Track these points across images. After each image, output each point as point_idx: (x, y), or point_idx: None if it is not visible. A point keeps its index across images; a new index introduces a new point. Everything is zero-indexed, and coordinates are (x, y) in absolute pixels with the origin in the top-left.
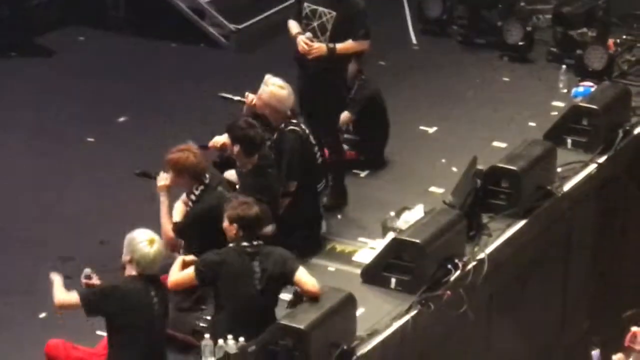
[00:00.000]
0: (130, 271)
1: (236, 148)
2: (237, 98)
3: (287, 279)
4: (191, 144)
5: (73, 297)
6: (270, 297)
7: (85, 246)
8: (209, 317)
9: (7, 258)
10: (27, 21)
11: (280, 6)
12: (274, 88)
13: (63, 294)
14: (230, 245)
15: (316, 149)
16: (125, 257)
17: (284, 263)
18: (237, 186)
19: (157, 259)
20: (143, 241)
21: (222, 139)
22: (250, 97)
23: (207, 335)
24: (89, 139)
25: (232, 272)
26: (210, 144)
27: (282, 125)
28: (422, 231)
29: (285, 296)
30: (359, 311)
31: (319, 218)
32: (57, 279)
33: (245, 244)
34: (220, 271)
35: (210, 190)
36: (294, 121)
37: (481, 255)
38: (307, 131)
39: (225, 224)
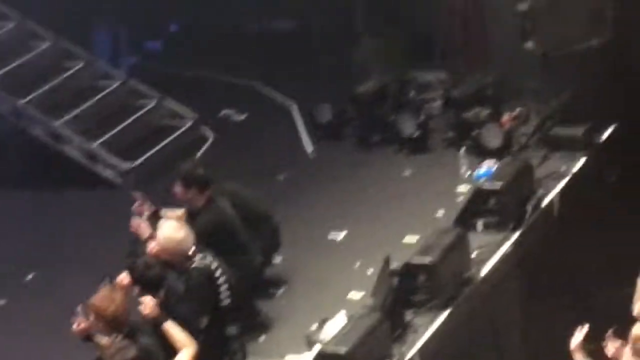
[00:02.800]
0: None
1: (137, 289)
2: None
3: None
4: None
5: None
6: None
7: None
8: None
9: None
10: None
11: (172, 136)
12: (170, 232)
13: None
14: None
15: (223, 285)
16: None
17: None
18: None
19: None
20: None
21: (127, 277)
22: (151, 246)
23: None
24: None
25: None
26: (119, 279)
27: (187, 264)
28: (346, 340)
29: None
30: None
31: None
32: None
33: None
34: None
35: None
36: (196, 259)
37: (411, 353)
38: (213, 265)
39: None
